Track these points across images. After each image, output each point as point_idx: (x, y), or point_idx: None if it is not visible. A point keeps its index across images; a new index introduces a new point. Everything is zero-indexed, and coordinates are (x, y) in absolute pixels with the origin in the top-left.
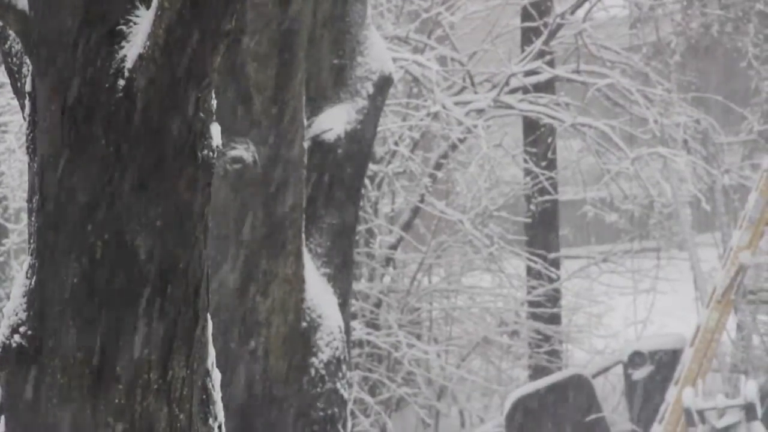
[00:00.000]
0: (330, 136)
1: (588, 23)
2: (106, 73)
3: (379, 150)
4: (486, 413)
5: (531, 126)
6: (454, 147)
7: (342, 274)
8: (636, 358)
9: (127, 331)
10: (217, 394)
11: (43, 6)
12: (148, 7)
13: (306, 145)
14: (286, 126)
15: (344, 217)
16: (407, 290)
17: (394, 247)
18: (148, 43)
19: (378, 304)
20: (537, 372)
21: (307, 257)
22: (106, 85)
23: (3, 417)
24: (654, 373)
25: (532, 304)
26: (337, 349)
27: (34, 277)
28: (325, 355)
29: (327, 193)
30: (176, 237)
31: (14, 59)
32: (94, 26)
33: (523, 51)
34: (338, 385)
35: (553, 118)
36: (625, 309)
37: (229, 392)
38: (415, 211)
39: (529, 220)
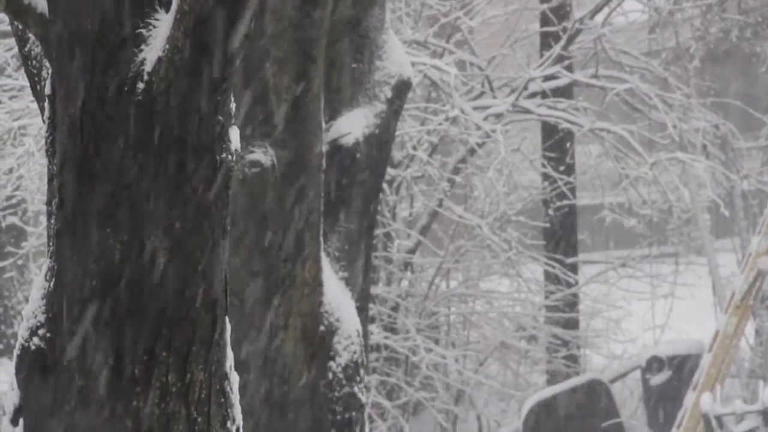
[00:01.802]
0: (348, 141)
1: (607, 28)
2: (126, 76)
3: (397, 154)
4: (503, 418)
5: (549, 131)
6: (472, 151)
7: (360, 278)
8: (654, 363)
9: (145, 334)
10: (236, 397)
11: (63, 9)
12: (167, 11)
13: (324, 149)
14: (305, 130)
15: (362, 221)
16: (425, 294)
17: (412, 251)
18: (167, 46)
19: (396, 308)
20: (555, 377)
21: (325, 261)
22: (126, 89)
23: (21, 419)
24: (672, 378)
25: (549, 308)
26: (354, 353)
27: (53, 280)
28: (342, 358)
29: (345, 197)
30: (195, 240)
31: (34, 62)
32: (113, 29)
33: (541, 56)
34: (356, 389)
35: (572, 122)
36: (643, 314)
37: (247, 395)
38: (433, 216)
39: (547, 225)
